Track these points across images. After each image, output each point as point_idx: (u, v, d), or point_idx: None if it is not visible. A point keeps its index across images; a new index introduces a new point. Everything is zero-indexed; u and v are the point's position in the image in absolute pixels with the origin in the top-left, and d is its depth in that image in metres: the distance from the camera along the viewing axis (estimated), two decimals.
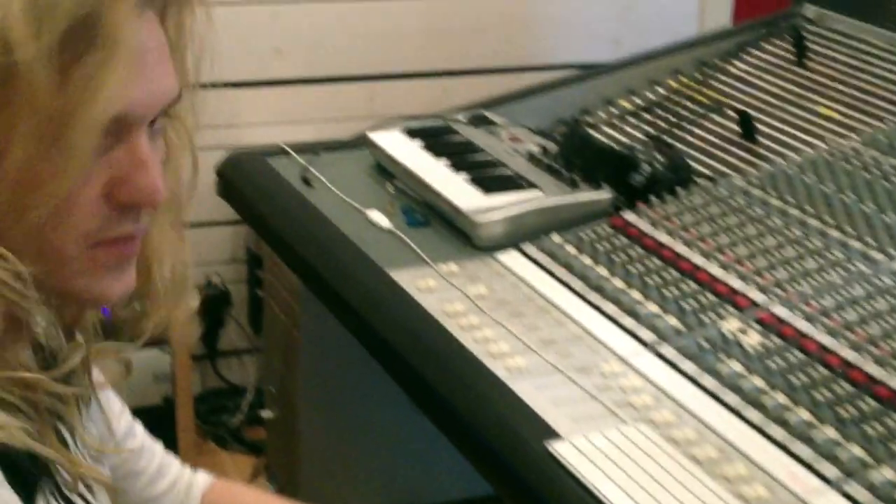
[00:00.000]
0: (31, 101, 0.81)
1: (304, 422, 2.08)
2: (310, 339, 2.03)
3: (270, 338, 2.19)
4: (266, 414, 2.22)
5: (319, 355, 2.03)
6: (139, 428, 1.20)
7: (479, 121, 1.99)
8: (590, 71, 2.26)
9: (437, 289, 1.57)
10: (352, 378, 2.02)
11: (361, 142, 1.99)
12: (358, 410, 2.05)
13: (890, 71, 1.92)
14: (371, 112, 2.52)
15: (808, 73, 1.99)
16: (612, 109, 2.06)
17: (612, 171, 1.73)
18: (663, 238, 1.62)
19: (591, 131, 1.93)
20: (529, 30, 2.56)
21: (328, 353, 2.01)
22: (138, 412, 1.21)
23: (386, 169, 1.90)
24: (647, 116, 2.02)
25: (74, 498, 0.92)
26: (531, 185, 1.74)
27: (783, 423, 1.25)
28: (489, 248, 1.67)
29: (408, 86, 2.51)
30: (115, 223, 0.88)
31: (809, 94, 1.93)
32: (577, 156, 1.78)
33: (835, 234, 1.56)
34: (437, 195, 1.75)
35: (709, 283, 1.51)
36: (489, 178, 1.77)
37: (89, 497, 0.95)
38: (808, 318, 1.40)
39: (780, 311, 1.43)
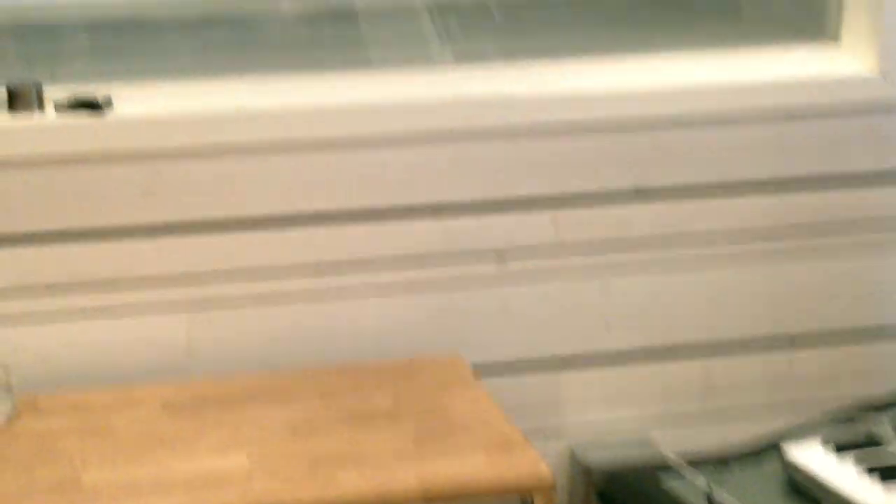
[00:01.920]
0: None
1: None
2: None
3: None
4: None
5: None
6: None
7: None
8: None
9: None
10: None
11: (761, 449, 1.69)
12: None
13: None
14: (706, 388, 2.23)
15: None
16: None
17: None
18: None
19: None
20: (880, 287, 2.27)
21: None
22: None
23: (812, 494, 1.59)
24: None
25: None
26: None
27: None
28: None
29: (748, 359, 2.23)
30: None
31: None
32: None
33: None
34: None
35: None
36: None
37: None
38: None
39: None
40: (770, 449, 1.67)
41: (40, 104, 1.85)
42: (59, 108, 1.85)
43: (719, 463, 1.67)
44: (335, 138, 1.97)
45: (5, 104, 1.85)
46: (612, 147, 2.08)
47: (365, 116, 1.99)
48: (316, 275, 2.02)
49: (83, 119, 1.84)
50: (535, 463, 1.64)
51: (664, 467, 1.67)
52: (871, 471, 1.56)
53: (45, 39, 2.56)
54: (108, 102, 1.86)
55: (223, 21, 2.94)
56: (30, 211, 1.87)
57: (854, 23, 2.19)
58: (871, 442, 1.64)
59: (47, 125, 1.84)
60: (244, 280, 1.99)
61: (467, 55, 2.23)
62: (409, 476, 1.60)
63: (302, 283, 2.02)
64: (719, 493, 1.58)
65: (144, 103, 1.92)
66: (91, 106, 1.85)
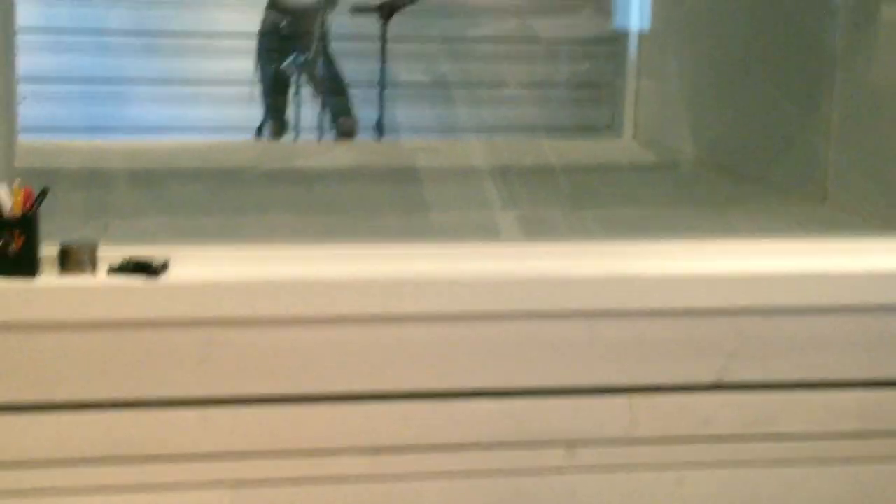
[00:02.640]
0: None
1: None
2: None
3: None
4: None
5: None
6: None
7: None
8: None
9: None
10: None
11: None
12: None
13: None
14: None
15: None
16: None
17: None
18: None
19: None
20: None
21: None
22: None
23: None
24: None
25: None
26: None
27: None
28: None
29: None
30: None
31: None
32: None
33: None
34: None
35: None
36: None
37: None
38: None
39: None
40: None
41: (93, 265, 1.75)
42: (112, 270, 1.75)
43: None
44: (399, 315, 1.86)
45: (58, 263, 1.75)
46: (693, 336, 1.95)
47: (429, 291, 1.88)
48: (373, 456, 1.89)
49: (135, 283, 1.74)
50: None
51: None
52: None
53: (102, 188, 2.48)
54: (165, 266, 1.76)
55: (283, 177, 2.88)
56: (71, 378, 1.77)
57: None
58: None
59: (96, 288, 1.74)
60: (294, 458, 1.87)
61: (533, 223, 2.14)
62: None
63: (357, 465, 1.89)
64: None
65: (200, 267, 1.82)
66: (145, 269, 1.75)
